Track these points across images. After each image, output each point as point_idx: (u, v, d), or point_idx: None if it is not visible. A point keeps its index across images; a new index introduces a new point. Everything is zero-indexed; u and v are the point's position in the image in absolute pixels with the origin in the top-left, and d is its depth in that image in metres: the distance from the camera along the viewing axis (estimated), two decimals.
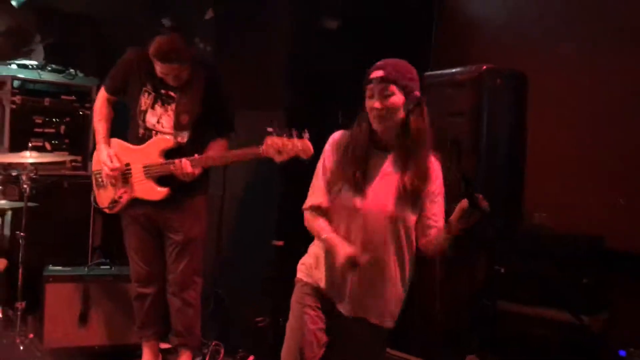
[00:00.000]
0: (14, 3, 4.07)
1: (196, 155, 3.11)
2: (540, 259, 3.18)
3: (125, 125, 3.31)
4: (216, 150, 3.21)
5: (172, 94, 3.20)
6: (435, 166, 2.19)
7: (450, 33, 4.08)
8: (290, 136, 2.66)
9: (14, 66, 4.17)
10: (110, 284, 3.80)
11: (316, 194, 2.22)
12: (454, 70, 3.20)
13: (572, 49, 3.51)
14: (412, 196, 2.12)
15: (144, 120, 3.22)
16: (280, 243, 3.62)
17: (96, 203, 3.42)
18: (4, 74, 4.11)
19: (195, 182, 3.19)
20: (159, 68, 3.11)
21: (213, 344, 3.60)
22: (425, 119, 2.13)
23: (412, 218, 2.15)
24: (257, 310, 3.70)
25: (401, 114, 2.09)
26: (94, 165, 3.37)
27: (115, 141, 3.32)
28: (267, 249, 3.69)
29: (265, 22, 3.83)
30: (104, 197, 3.34)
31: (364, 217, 2.12)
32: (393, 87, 2.06)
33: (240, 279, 3.87)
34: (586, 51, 3.47)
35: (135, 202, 3.26)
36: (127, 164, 3.23)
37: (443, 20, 4.10)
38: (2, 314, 3.38)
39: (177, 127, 3.19)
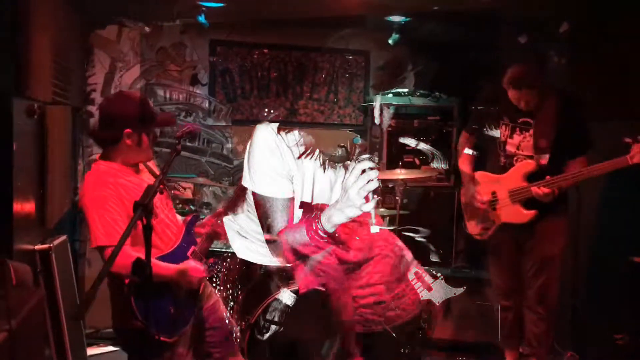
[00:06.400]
0: (390, 42, 4.77)
1: (547, 177, 3.20)
2: None
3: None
4: (575, 168, 3.23)
5: (529, 120, 3.35)
6: None
7: None
8: None
9: (389, 94, 4.89)
10: (470, 286, 4.17)
11: None
12: None
13: None
14: None
15: (504, 150, 3.43)
16: None
17: (467, 230, 3.70)
18: (382, 102, 4.84)
19: (554, 205, 3.27)
20: (510, 94, 3.32)
21: (568, 354, 3.63)
22: None
23: None
24: (617, 326, 3.57)
25: None
26: (463, 198, 3.68)
27: (480, 174, 3.57)
28: (627, 264, 3.52)
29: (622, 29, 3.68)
30: (475, 226, 3.62)
31: None
32: None
33: (599, 293, 3.78)
34: None
35: (504, 226, 3.45)
36: (493, 193, 3.46)
37: None
38: None
39: (537, 150, 3.31)
